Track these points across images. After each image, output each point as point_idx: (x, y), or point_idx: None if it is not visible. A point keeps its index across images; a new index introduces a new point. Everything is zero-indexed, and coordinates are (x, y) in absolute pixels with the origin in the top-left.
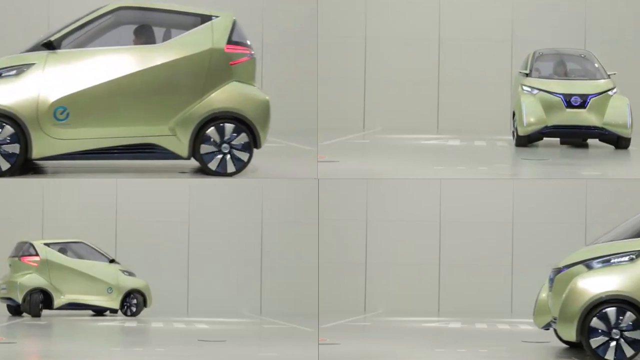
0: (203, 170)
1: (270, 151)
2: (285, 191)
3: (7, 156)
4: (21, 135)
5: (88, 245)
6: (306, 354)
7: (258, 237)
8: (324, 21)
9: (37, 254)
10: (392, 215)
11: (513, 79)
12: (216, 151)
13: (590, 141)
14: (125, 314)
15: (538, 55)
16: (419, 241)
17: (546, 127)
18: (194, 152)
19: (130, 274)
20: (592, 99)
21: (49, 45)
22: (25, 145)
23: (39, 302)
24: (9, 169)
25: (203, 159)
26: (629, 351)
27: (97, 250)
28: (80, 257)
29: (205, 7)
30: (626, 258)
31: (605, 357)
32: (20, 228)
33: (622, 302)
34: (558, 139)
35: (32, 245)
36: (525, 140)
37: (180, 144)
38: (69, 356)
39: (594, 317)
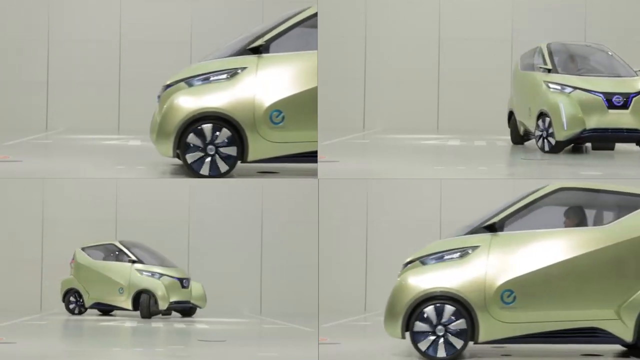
0: None
1: None
2: (285, 191)
3: (449, 345)
4: (468, 319)
5: (116, 246)
6: (306, 354)
7: (258, 237)
8: (324, 21)
9: (73, 258)
10: (392, 215)
11: (516, 75)
12: None
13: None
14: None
15: (554, 49)
16: (419, 241)
17: (585, 130)
18: (639, 337)
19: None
20: (634, 98)
21: None
22: (242, 148)
23: (69, 301)
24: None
25: None
26: (441, 352)
27: (122, 251)
28: (106, 257)
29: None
30: (457, 254)
31: (419, 345)
32: (21, 228)
33: (447, 298)
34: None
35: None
36: (563, 146)
37: (625, 328)
38: (69, 356)
39: (420, 313)
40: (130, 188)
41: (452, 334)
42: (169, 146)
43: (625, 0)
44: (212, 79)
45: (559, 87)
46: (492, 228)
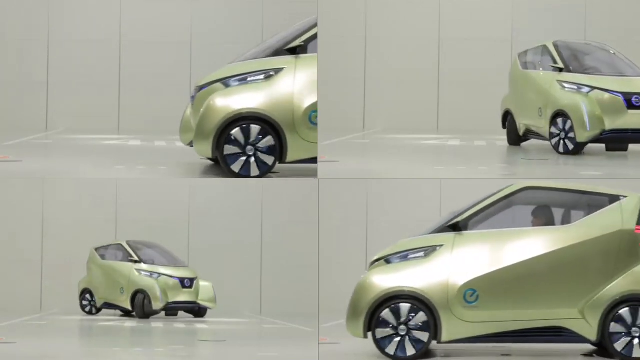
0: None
1: None
2: (285, 191)
3: (415, 341)
4: (431, 318)
5: (122, 246)
6: (306, 354)
7: (258, 237)
8: (324, 21)
9: (89, 259)
10: (392, 215)
11: (515, 75)
12: (624, 333)
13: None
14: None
15: (562, 47)
16: None
17: (604, 131)
18: (603, 336)
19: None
20: None
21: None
22: (281, 149)
23: (83, 301)
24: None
25: (611, 341)
26: (410, 350)
27: (127, 251)
28: (115, 258)
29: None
30: (421, 253)
31: (386, 350)
32: (21, 228)
33: (410, 297)
34: (603, 144)
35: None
36: (582, 147)
37: (590, 327)
38: (69, 356)
39: (385, 309)
40: (130, 188)
41: (415, 329)
42: (207, 147)
43: (625, 0)
44: (249, 79)
45: (574, 87)
46: (457, 227)
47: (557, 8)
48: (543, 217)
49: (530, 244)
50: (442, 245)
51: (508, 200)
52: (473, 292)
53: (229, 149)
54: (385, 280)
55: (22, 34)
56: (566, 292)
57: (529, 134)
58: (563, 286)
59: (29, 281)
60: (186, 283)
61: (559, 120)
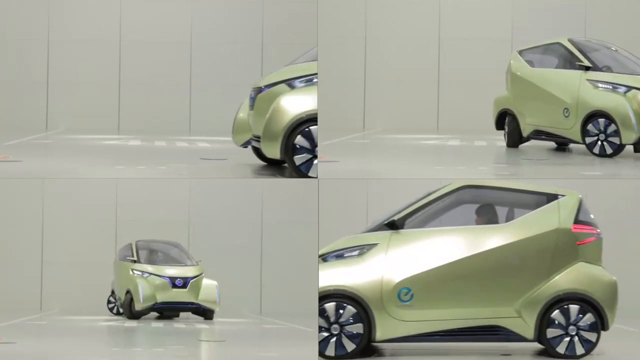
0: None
1: None
2: (285, 191)
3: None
4: (365, 317)
5: (132, 245)
6: (306, 354)
7: (258, 237)
8: (324, 21)
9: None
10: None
11: (521, 73)
12: (563, 334)
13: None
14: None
15: (581, 44)
16: None
17: None
18: (540, 335)
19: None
20: None
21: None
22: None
23: (109, 301)
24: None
25: (550, 343)
26: (349, 345)
27: (132, 250)
28: (124, 258)
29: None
30: (356, 252)
31: (326, 352)
32: (21, 228)
33: (343, 296)
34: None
35: None
36: (622, 150)
37: (527, 326)
38: (69, 356)
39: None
40: (130, 188)
41: (348, 325)
42: (276, 148)
43: (625, 0)
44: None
45: (609, 86)
46: (393, 225)
47: (557, 8)
48: (486, 215)
49: (466, 243)
50: (377, 243)
51: (453, 199)
52: (408, 291)
53: (299, 159)
54: (320, 278)
55: (22, 34)
56: (502, 291)
57: (539, 135)
58: (499, 285)
59: (29, 281)
60: (177, 283)
61: (600, 121)
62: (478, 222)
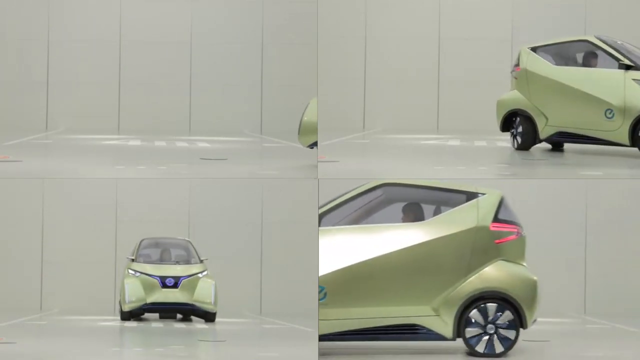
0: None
1: (271, 151)
2: (285, 191)
3: None
4: None
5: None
6: (306, 354)
7: (258, 237)
8: (324, 21)
9: None
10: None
11: (539, 72)
12: (482, 333)
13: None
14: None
15: (610, 42)
16: None
17: None
18: (458, 333)
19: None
20: None
21: None
22: None
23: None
24: None
25: (468, 341)
26: None
27: (134, 249)
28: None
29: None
30: None
31: None
32: (21, 228)
33: None
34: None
35: None
36: None
37: (445, 325)
38: (69, 356)
39: None
40: (130, 188)
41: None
42: None
43: (625, 0)
44: None
45: None
46: None
47: (557, 8)
48: (411, 213)
49: (383, 241)
50: None
51: (383, 198)
52: (321, 289)
53: None
54: None
55: (22, 34)
56: (420, 289)
57: (562, 136)
58: (416, 283)
59: (29, 281)
60: (167, 282)
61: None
62: (404, 221)
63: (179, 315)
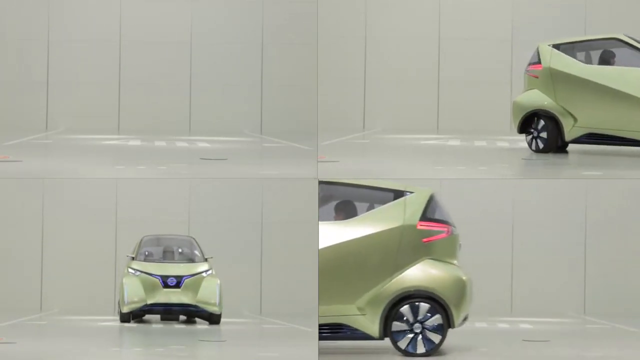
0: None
1: (271, 151)
2: (285, 191)
3: None
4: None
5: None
6: (306, 354)
7: (258, 237)
8: (324, 21)
9: None
10: None
11: (573, 72)
12: (407, 330)
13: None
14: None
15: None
16: None
17: None
18: (385, 332)
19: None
20: None
21: None
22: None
23: None
24: None
25: (393, 337)
26: None
27: (135, 246)
28: None
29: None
30: None
31: None
32: (21, 228)
33: None
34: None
35: None
36: None
37: (371, 324)
38: (69, 356)
39: None
40: (130, 188)
41: None
42: None
43: (626, 0)
44: None
45: None
46: None
47: (557, 8)
48: (342, 212)
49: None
50: None
51: (320, 196)
52: None
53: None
54: None
55: (22, 34)
56: (344, 288)
57: (592, 138)
58: (341, 282)
59: (29, 281)
60: (169, 282)
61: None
62: (336, 219)
63: (182, 317)
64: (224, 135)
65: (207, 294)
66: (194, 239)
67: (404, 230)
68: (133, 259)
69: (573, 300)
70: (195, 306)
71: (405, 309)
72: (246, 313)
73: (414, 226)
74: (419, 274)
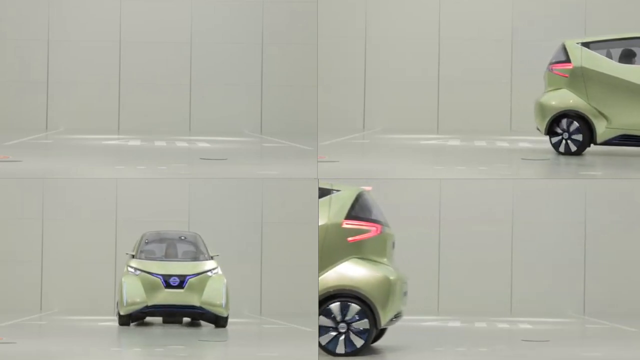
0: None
1: (271, 151)
2: (285, 191)
3: None
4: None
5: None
6: (306, 354)
7: (258, 237)
8: (324, 21)
9: None
10: (392, 215)
11: (604, 71)
12: (331, 327)
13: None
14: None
15: None
16: (419, 241)
17: None
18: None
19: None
20: None
21: None
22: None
23: None
24: None
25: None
26: None
27: (135, 244)
28: None
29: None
30: None
31: None
32: (21, 228)
33: None
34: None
35: None
36: None
37: None
38: (69, 356)
39: None
40: (130, 188)
41: None
42: None
43: (626, 0)
44: None
45: None
46: None
47: (557, 8)
48: None
49: None
50: None
51: None
52: None
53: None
54: None
55: (22, 34)
56: None
57: (626, 139)
58: None
59: (29, 281)
60: (172, 282)
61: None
62: None
63: (185, 320)
64: (224, 135)
65: (213, 295)
66: (199, 235)
67: (329, 229)
68: (133, 256)
69: (573, 300)
70: (200, 308)
71: (334, 306)
72: (246, 313)
73: (339, 224)
74: (344, 273)
